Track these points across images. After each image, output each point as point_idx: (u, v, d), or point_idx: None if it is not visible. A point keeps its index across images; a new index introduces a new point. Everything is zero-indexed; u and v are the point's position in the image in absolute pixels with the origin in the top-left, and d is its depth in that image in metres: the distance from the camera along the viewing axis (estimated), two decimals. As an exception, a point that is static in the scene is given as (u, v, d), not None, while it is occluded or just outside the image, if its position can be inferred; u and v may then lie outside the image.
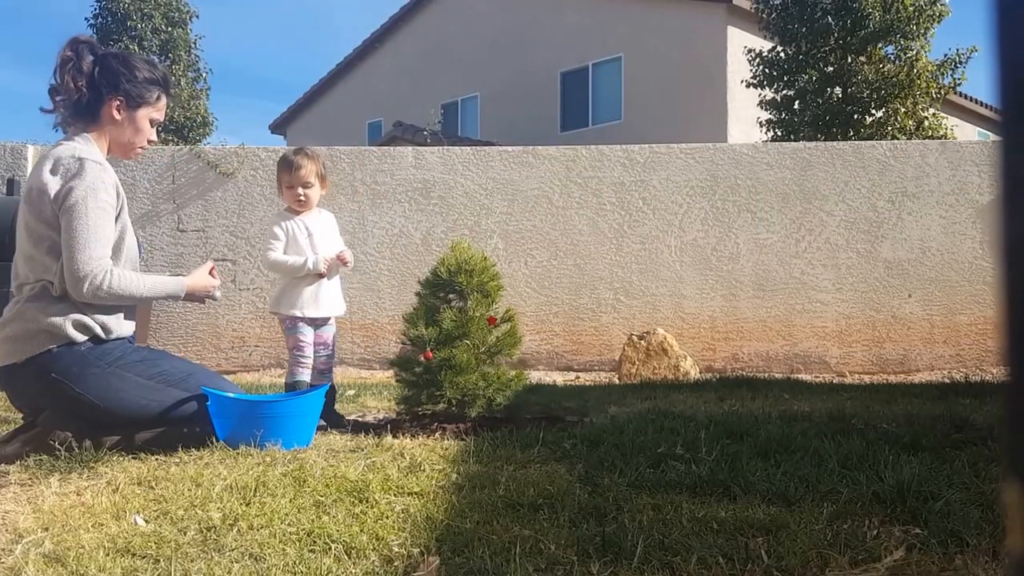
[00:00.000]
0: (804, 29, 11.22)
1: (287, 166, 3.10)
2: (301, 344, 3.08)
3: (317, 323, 3.13)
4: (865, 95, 11.01)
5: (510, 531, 1.64)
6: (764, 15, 11.79)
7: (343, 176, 5.76)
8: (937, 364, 5.67)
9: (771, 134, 11.96)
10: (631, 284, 5.76)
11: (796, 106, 11.62)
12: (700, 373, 5.24)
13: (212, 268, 2.82)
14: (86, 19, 16.80)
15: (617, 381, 4.98)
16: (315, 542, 1.60)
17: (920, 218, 5.74)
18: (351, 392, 4.03)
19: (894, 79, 10.87)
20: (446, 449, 2.49)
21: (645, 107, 14.98)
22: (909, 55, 11.13)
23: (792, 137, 11.34)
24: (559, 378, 5.23)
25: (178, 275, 2.84)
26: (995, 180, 0.41)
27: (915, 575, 1.45)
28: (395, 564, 1.50)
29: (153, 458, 2.33)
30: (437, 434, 2.75)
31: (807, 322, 5.73)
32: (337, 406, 3.27)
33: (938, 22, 11.07)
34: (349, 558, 1.52)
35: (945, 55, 11.35)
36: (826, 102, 11.27)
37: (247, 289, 5.72)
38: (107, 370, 2.47)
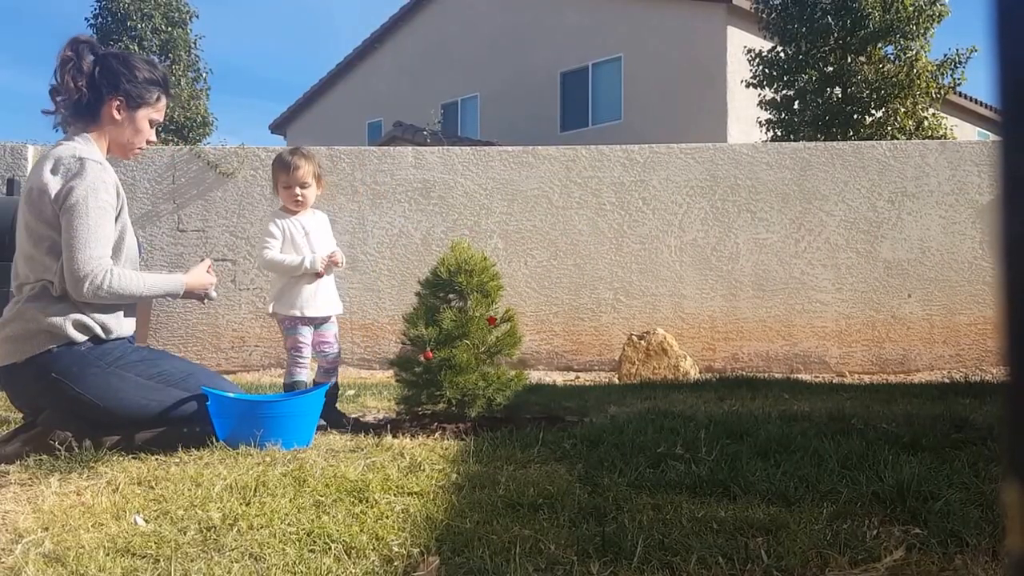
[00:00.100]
0: (804, 29, 11.22)
1: (284, 166, 3.09)
2: (300, 345, 3.08)
3: (317, 322, 3.13)
4: (865, 95, 11.01)
5: (510, 531, 1.64)
6: (764, 15, 11.79)
7: (343, 176, 5.76)
8: (937, 364, 5.67)
9: (771, 134, 11.96)
10: (631, 284, 5.76)
11: (796, 106, 11.62)
12: (700, 373, 5.24)
13: (210, 266, 2.83)
14: (86, 19, 16.82)
15: (617, 381, 4.98)
16: (315, 542, 1.60)
17: (920, 218, 5.74)
18: (351, 392, 4.03)
19: (894, 79, 10.86)
20: (446, 449, 2.49)
21: (645, 107, 14.98)
22: (909, 55, 11.13)
23: (792, 137, 11.33)
24: (559, 378, 5.23)
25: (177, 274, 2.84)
26: (995, 180, 0.41)
27: (915, 575, 1.45)
28: (395, 564, 1.50)
29: (153, 458, 2.33)
30: (437, 434, 2.75)
31: (807, 322, 5.73)
32: (337, 406, 3.27)
33: (938, 22, 11.07)
34: (349, 558, 1.52)
35: (945, 55, 11.35)
36: (826, 102, 11.27)
37: (247, 289, 5.72)
38: (107, 370, 2.47)
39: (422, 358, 2.98)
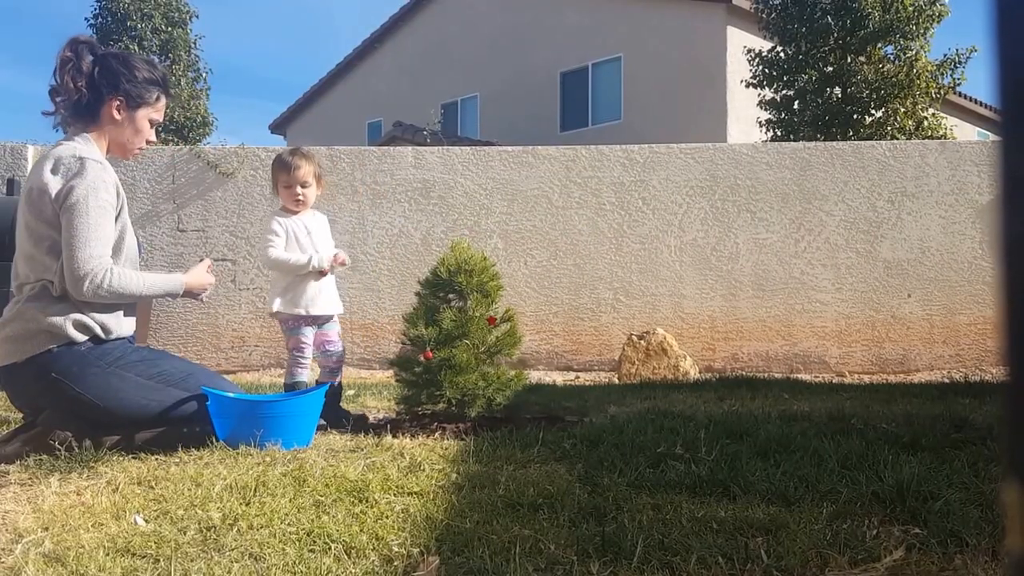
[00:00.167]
0: (804, 29, 11.22)
1: (284, 166, 3.10)
2: (302, 345, 3.09)
3: (320, 322, 3.14)
4: (865, 95, 11.01)
5: (510, 531, 1.64)
6: (764, 15, 11.79)
7: (343, 176, 5.77)
8: (936, 364, 5.67)
9: (771, 134, 11.96)
10: (631, 284, 5.76)
11: (796, 106, 11.63)
12: (700, 373, 5.24)
13: (209, 266, 2.83)
14: (86, 19, 16.82)
15: (617, 381, 4.98)
16: (315, 542, 1.60)
17: (920, 218, 5.75)
18: (351, 392, 4.03)
19: (894, 79, 10.87)
20: (446, 449, 2.49)
21: (645, 107, 14.98)
22: (909, 55, 11.14)
23: (792, 137, 11.34)
24: (559, 378, 5.23)
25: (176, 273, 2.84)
26: (995, 180, 0.41)
27: (915, 575, 1.45)
28: (395, 564, 1.50)
29: (153, 458, 2.33)
30: (437, 434, 2.75)
31: (807, 322, 5.73)
32: (341, 404, 3.27)
33: (938, 22, 11.07)
34: (349, 558, 1.52)
35: (945, 55, 11.36)
36: (826, 102, 11.27)
37: (247, 289, 5.72)
38: (107, 370, 2.47)
39: (422, 358, 2.98)
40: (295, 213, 3.12)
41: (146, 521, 1.74)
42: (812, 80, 11.30)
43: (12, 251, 2.60)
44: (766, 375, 5.23)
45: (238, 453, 2.36)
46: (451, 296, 3.10)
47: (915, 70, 10.92)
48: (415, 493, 1.95)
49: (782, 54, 11.65)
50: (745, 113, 13.20)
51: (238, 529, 1.67)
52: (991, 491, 1.90)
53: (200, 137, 16.49)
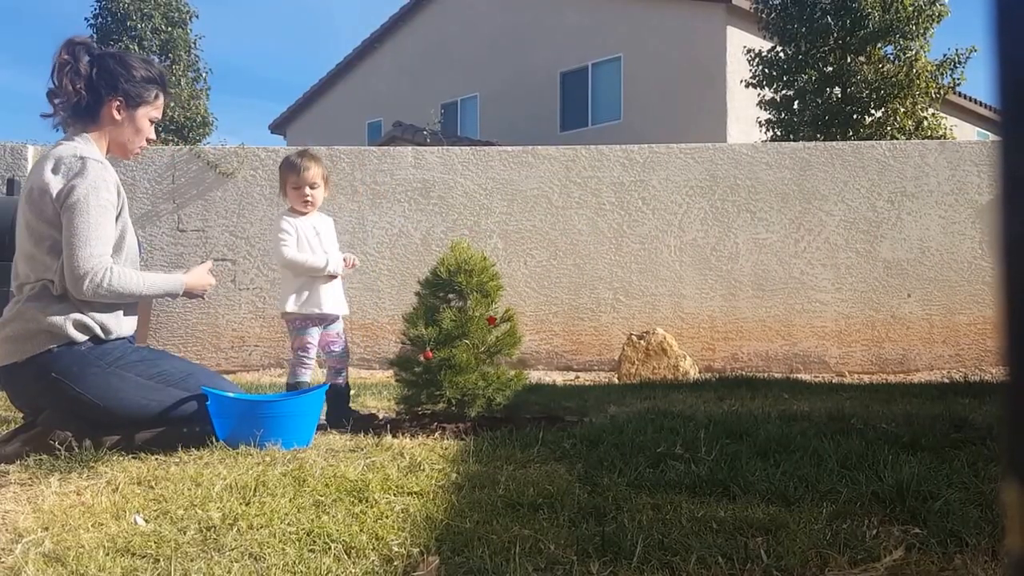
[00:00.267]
0: (803, 29, 11.22)
1: (293, 168, 3.12)
2: (308, 345, 3.09)
3: (327, 321, 3.15)
4: (864, 95, 11.01)
5: (510, 531, 1.64)
6: (763, 15, 11.79)
7: (343, 176, 5.77)
8: (936, 364, 5.67)
9: (770, 134, 11.96)
10: (631, 284, 5.76)
11: (795, 106, 11.62)
12: (699, 373, 5.24)
13: (210, 267, 2.84)
14: (86, 19, 16.80)
15: (616, 381, 4.98)
16: (315, 542, 1.60)
17: (919, 218, 5.75)
18: (351, 392, 4.02)
19: (893, 79, 10.87)
20: (446, 449, 2.49)
21: (645, 107, 14.98)
22: (908, 55, 11.13)
23: (791, 137, 11.34)
24: (559, 378, 5.23)
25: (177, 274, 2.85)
26: (994, 180, 0.41)
27: (914, 575, 1.45)
28: (395, 564, 1.50)
29: (153, 458, 2.33)
30: (437, 434, 2.75)
31: (806, 322, 5.73)
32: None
33: (937, 22, 11.07)
34: (349, 558, 1.52)
35: (944, 55, 11.36)
36: (825, 102, 11.27)
37: (247, 289, 5.72)
38: (107, 370, 2.47)
39: (422, 358, 2.98)
40: (303, 214, 3.14)
41: (146, 521, 1.74)
42: (812, 80, 11.30)
43: (12, 251, 2.60)
44: (766, 375, 5.23)
45: (238, 453, 2.36)
46: (451, 296, 3.11)
47: (915, 70, 10.92)
48: (415, 493, 1.95)
49: (782, 54, 11.65)
50: (745, 113, 13.20)
51: (238, 529, 1.67)
52: (991, 491, 1.90)
53: (200, 137, 16.49)
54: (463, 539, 1.59)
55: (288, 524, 1.70)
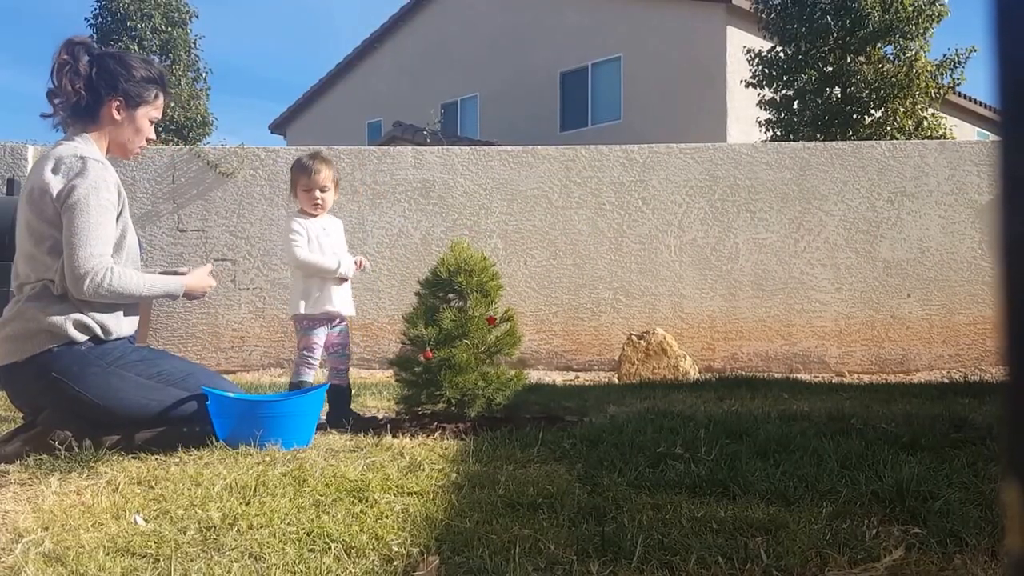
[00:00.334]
0: (803, 29, 11.22)
1: (304, 170, 3.13)
2: (313, 346, 3.10)
3: (334, 322, 3.15)
4: (864, 95, 11.01)
5: (510, 531, 1.64)
6: (763, 15, 11.79)
7: (343, 176, 5.74)
8: (936, 364, 5.67)
9: (770, 134, 11.96)
10: (630, 284, 5.76)
11: (795, 106, 11.62)
12: (699, 373, 5.24)
13: (211, 270, 2.84)
14: (86, 19, 16.80)
15: (616, 381, 4.98)
16: (315, 542, 1.60)
17: (919, 218, 5.75)
18: (352, 393, 4.03)
19: (893, 79, 10.87)
20: (446, 449, 2.49)
21: (645, 107, 14.98)
22: (908, 55, 11.13)
23: (791, 137, 11.34)
24: (558, 378, 5.23)
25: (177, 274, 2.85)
26: (994, 180, 0.41)
27: (914, 575, 1.45)
28: (395, 564, 1.50)
29: (153, 458, 2.33)
30: (437, 434, 2.75)
31: (806, 322, 5.73)
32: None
33: (937, 22, 11.07)
34: (349, 558, 1.52)
35: (944, 55, 11.36)
36: (825, 102, 11.27)
37: (247, 289, 5.72)
38: (107, 369, 2.47)
39: (422, 358, 2.98)
40: (313, 216, 3.14)
41: (146, 521, 1.74)
42: (812, 80, 11.30)
43: (12, 251, 2.60)
44: (766, 375, 5.23)
45: (238, 453, 2.36)
46: (451, 296, 3.11)
47: (915, 70, 10.92)
48: (415, 493, 1.95)
49: (782, 54, 11.65)
50: (745, 113, 13.20)
51: (238, 529, 1.67)
52: (991, 491, 1.90)
53: (200, 137, 16.48)
54: (463, 539, 1.59)
55: (288, 524, 1.70)
